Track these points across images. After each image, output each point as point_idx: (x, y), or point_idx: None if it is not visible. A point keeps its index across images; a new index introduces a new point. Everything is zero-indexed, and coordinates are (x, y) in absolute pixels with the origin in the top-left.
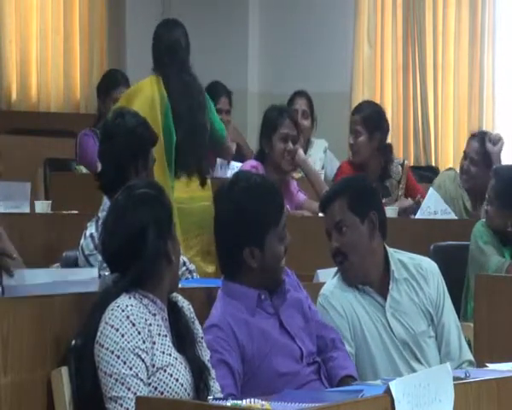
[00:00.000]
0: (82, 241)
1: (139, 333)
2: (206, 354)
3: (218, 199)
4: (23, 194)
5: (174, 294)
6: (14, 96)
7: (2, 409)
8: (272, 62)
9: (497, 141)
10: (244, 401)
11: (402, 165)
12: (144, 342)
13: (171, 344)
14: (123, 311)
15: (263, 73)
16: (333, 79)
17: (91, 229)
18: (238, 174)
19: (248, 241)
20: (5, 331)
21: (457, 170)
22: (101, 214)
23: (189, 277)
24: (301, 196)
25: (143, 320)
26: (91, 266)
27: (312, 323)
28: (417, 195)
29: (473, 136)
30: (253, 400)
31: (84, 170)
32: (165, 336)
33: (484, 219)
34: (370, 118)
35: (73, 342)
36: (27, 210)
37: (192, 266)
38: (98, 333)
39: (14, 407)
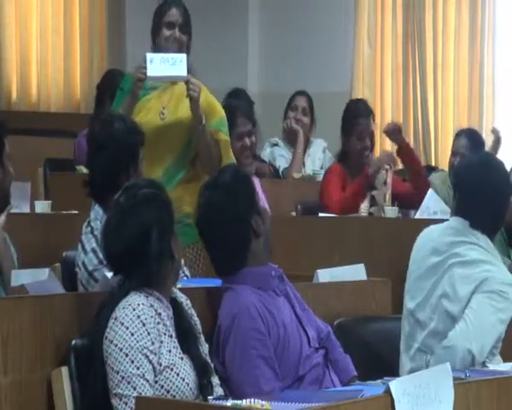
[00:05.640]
0: (83, 257)
1: (149, 334)
2: (205, 348)
3: (208, 204)
4: (23, 194)
5: (172, 289)
6: (14, 96)
7: (2, 409)
8: (272, 62)
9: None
10: (244, 401)
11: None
12: (153, 343)
13: (176, 344)
14: (134, 309)
15: (263, 73)
16: (333, 78)
17: (91, 243)
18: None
19: (252, 210)
20: (5, 331)
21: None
22: (94, 224)
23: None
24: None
25: (153, 320)
26: (96, 281)
27: (309, 313)
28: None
29: (459, 133)
30: (253, 400)
31: (84, 170)
32: (171, 336)
33: None
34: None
35: (74, 341)
36: (27, 210)
37: (187, 271)
38: (107, 329)
39: (14, 407)
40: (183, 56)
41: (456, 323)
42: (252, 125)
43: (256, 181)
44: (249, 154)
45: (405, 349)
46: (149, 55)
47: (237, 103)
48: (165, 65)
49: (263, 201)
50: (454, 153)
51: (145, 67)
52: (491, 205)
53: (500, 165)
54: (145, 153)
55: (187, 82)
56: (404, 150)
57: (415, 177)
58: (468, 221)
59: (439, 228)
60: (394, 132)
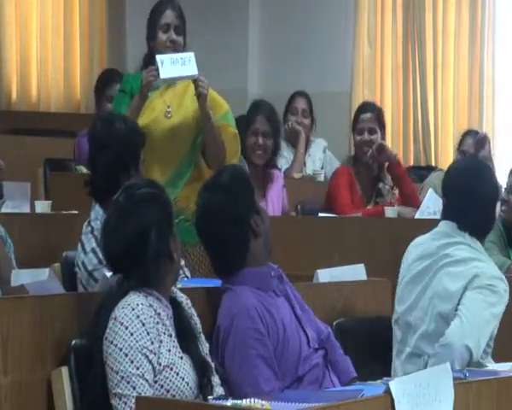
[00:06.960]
0: (83, 257)
1: (148, 334)
2: (205, 348)
3: (209, 204)
4: (23, 194)
5: (172, 289)
6: (14, 96)
7: (2, 409)
8: (272, 62)
9: (485, 142)
10: (244, 400)
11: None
12: (152, 343)
13: (176, 343)
14: (133, 309)
15: (263, 73)
16: (333, 79)
17: (91, 243)
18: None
19: (251, 211)
20: (5, 331)
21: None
22: (95, 223)
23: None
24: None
25: (152, 320)
26: (95, 281)
27: (309, 313)
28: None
29: (468, 133)
30: (252, 400)
31: (84, 170)
32: (171, 335)
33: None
34: (380, 116)
35: (74, 341)
36: (27, 210)
37: (188, 272)
38: (107, 330)
39: (14, 407)
40: (191, 55)
41: (450, 321)
42: (271, 129)
43: (279, 176)
44: (261, 154)
45: (397, 354)
46: (159, 57)
47: (261, 103)
48: (175, 65)
49: (283, 198)
50: (463, 152)
51: (155, 69)
52: (480, 209)
53: (487, 169)
54: (154, 154)
55: (195, 80)
56: (394, 165)
57: (405, 194)
58: (455, 223)
59: (427, 235)
60: (380, 152)
